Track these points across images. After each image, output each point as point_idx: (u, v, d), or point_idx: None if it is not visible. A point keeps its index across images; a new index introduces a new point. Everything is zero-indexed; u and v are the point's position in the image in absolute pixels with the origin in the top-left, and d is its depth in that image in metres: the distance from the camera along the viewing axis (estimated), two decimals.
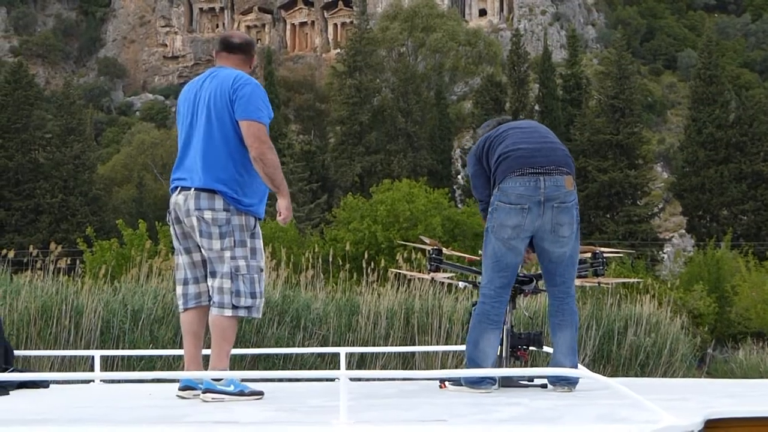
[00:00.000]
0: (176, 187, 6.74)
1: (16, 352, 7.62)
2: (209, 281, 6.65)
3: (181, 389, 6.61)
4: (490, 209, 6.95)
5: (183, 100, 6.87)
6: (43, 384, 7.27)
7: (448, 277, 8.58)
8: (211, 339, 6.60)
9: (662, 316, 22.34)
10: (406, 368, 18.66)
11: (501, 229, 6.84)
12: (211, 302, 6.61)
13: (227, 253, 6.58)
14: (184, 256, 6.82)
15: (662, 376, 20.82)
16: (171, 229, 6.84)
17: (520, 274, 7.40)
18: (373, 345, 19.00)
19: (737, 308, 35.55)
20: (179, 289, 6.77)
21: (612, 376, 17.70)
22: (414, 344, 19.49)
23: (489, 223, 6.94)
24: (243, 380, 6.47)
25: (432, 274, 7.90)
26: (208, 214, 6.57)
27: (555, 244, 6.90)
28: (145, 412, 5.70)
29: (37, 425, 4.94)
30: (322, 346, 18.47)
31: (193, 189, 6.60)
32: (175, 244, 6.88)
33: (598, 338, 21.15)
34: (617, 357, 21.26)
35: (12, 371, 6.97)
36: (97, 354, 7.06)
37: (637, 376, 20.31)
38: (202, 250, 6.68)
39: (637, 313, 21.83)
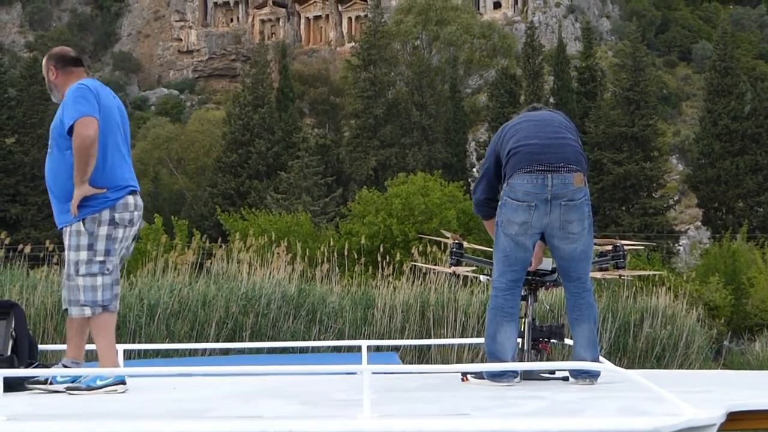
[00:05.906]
0: (135, 191, 6.97)
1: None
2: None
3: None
4: (499, 203, 6.98)
5: (115, 107, 7.00)
6: None
7: (469, 271, 8.59)
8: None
9: (678, 309, 22.33)
10: (422, 361, 18.70)
11: (508, 225, 6.86)
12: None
13: None
14: (119, 257, 6.94)
15: (679, 368, 20.81)
16: (124, 231, 6.86)
17: (545, 269, 7.41)
18: (390, 338, 19.03)
19: (753, 300, 35.51)
20: (117, 289, 6.86)
21: (628, 368, 17.73)
22: (430, 337, 19.51)
23: (498, 218, 6.96)
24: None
25: (453, 267, 7.92)
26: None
27: (564, 240, 6.89)
28: (169, 406, 5.75)
29: (62, 420, 4.99)
30: (338, 339, 18.50)
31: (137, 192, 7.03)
32: (118, 245, 6.88)
33: (614, 331, 21.16)
34: (633, 349, 21.27)
35: (36, 366, 7.00)
36: (120, 348, 7.09)
37: (653, 368, 20.31)
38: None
39: (653, 306, 21.82)
